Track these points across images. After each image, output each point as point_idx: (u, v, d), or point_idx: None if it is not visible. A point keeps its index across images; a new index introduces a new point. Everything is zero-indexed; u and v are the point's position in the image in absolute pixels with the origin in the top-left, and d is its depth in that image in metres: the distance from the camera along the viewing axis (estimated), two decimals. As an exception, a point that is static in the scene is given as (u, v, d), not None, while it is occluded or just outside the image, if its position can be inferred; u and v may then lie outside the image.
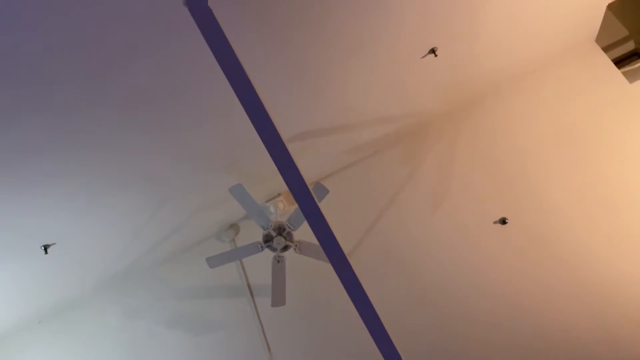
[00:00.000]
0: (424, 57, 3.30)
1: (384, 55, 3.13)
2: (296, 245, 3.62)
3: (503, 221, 3.84)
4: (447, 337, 3.85)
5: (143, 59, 2.35)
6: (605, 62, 3.93)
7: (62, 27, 2.01)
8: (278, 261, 3.65)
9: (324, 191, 3.37)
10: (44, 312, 4.64)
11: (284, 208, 4.30)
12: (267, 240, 3.60)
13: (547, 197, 3.81)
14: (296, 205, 3.98)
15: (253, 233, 4.08)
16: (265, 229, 3.59)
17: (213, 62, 2.42)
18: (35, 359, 4.63)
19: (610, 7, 3.70)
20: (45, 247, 3.65)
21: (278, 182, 4.15)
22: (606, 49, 4.05)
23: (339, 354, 4.07)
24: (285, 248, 3.61)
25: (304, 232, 3.55)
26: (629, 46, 4.10)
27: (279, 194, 4.34)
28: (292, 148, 1.14)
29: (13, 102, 2.30)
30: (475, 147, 4.09)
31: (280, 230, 3.59)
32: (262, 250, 3.66)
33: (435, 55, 3.28)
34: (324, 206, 1.18)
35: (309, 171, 4.24)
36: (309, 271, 4.13)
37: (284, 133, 1.16)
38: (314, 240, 3.43)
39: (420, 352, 3.79)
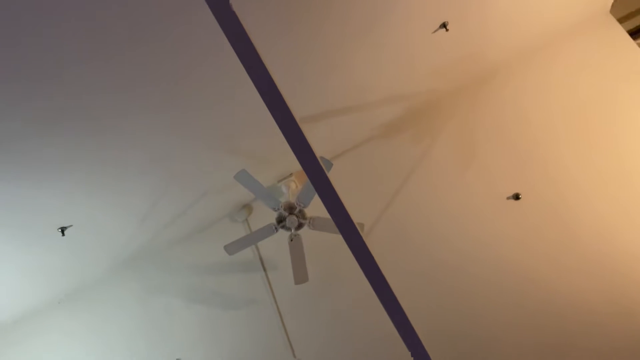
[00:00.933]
0: (435, 31, 3.27)
1: (395, 31, 3.10)
2: (310, 222, 3.66)
3: (516, 197, 3.82)
4: (457, 316, 3.86)
5: (153, 41, 2.36)
6: (620, 33, 3.85)
7: (68, 11, 2.02)
8: (292, 239, 3.68)
9: (328, 164, 3.40)
10: (64, 292, 4.75)
11: (296, 188, 4.33)
12: (281, 220, 3.64)
13: (561, 172, 3.78)
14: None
15: (266, 212, 4.11)
16: (276, 210, 3.62)
17: (220, 43, 2.44)
18: (56, 338, 4.76)
19: (625, -24, 3.62)
20: (62, 230, 3.72)
21: (289, 162, 4.17)
22: (621, 21, 3.97)
23: (355, 329, 4.12)
24: (300, 226, 3.64)
25: (315, 209, 3.58)
26: (645, 17, 4.01)
27: (291, 174, 4.37)
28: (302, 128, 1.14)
29: (25, 88, 2.33)
30: (488, 123, 4.05)
31: (292, 209, 3.61)
32: (277, 231, 3.70)
33: (447, 30, 3.25)
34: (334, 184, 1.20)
35: (318, 150, 4.25)
36: (322, 247, 4.17)
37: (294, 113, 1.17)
38: (326, 215, 3.46)
39: (431, 332, 3.80)
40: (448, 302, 3.91)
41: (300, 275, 3.82)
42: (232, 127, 3.43)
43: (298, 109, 3.56)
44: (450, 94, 4.19)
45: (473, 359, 3.78)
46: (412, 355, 1.43)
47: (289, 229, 3.64)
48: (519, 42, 3.84)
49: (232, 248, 3.81)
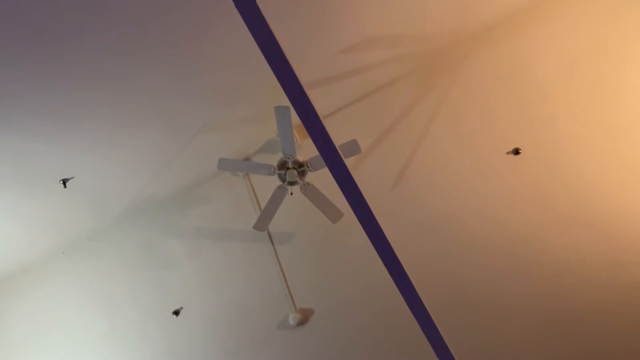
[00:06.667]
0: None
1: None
2: (308, 166, 3.64)
3: (516, 151, 3.77)
4: (455, 264, 3.89)
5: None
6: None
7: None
8: (296, 191, 3.71)
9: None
10: (67, 244, 4.84)
11: (297, 141, 4.30)
12: (284, 180, 3.66)
13: (563, 125, 3.71)
14: (308, 138, 3.99)
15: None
16: (272, 174, 3.65)
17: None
18: (61, 287, 4.88)
19: None
20: (64, 181, 3.74)
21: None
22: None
23: (354, 282, 4.17)
24: (303, 174, 3.65)
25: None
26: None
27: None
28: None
29: (32, 36, 2.37)
30: (491, 75, 3.95)
31: (285, 165, 3.62)
32: (287, 190, 3.73)
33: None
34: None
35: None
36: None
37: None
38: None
39: (429, 278, 3.84)
40: (445, 250, 3.93)
41: (333, 214, 3.84)
42: (234, 85, 3.44)
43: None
44: (455, 44, 4.05)
45: (467, 304, 3.83)
46: (404, 299, 1.43)
47: (295, 182, 3.65)
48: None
49: (260, 225, 3.88)
